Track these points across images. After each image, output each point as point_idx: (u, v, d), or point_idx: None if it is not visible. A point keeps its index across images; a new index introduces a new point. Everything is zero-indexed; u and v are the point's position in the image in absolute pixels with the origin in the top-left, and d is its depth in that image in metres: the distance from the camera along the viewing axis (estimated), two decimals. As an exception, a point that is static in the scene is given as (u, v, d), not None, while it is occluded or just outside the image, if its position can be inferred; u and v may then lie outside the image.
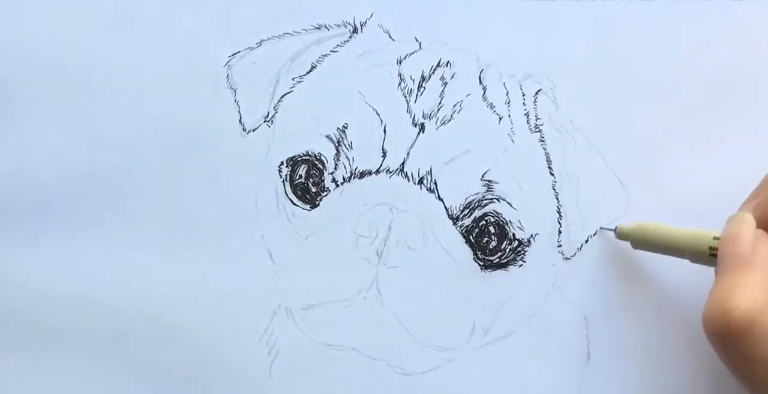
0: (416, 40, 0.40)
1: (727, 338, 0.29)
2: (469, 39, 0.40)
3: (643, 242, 0.37)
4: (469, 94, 0.39)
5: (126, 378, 0.39)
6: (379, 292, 0.39)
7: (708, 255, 0.34)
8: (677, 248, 0.36)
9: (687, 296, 0.39)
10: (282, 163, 0.39)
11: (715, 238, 0.34)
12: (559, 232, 0.39)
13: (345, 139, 0.39)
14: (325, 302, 0.39)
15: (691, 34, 0.40)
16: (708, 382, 0.39)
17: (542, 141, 0.40)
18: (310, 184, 0.39)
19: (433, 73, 0.39)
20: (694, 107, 0.40)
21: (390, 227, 0.39)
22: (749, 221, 0.32)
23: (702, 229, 0.35)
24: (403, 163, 0.39)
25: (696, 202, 0.39)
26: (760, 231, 0.32)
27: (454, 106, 0.39)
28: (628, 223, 0.38)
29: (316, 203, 0.39)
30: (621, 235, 0.38)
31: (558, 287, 0.39)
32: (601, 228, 0.39)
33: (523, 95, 0.40)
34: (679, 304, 0.39)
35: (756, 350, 0.29)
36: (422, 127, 0.39)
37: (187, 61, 0.39)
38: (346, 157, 0.39)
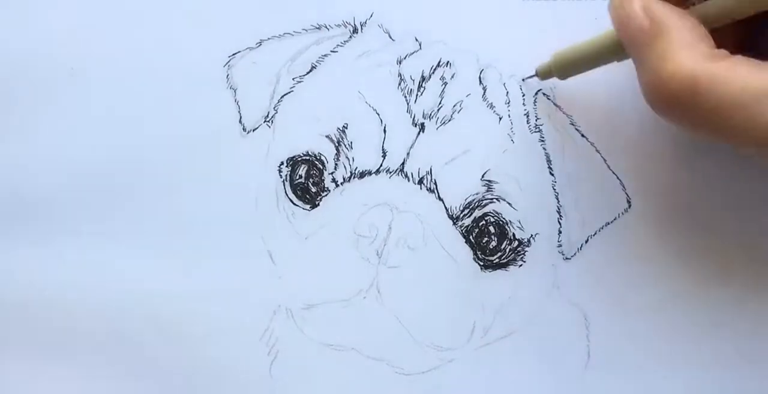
0: (416, 40, 0.40)
1: (679, 105, 0.29)
2: (469, 39, 0.40)
3: (565, 66, 0.37)
4: (469, 94, 0.39)
5: (125, 378, 0.39)
6: (379, 292, 0.39)
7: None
8: (598, 54, 0.35)
9: (687, 296, 0.39)
10: (282, 163, 0.39)
11: None
12: (559, 232, 0.39)
13: (345, 139, 0.39)
14: (325, 302, 0.39)
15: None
16: (710, 382, 0.39)
17: (542, 141, 0.40)
18: (310, 184, 0.39)
19: (433, 73, 0.39)
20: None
21: (390, 227, 0.39)
22: None
23: (604, 31, 0.34)
24: (403, 163, 0.39)
25: (696, 202, 0.39)
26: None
27: (454, 106, 0.39)
28: (544, 61, 0.38)
29: (316, 203, 0.39)
30: (543, 73, 0.38)
31: (558, 287, 0.39)
32: (523, 80, 0.39)
33: (523, 95, 0.40)
34: (680, 303, 0.39)
35: (710, 102, 0.28)
36: (422, 127, 0.39)
37: (187, 61, 0.39)
38: (346, 157, 0.39)
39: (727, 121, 0.29)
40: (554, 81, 0.38)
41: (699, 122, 0.29)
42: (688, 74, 0.29)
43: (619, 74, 0.40)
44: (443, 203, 0.39)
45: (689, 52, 0.29)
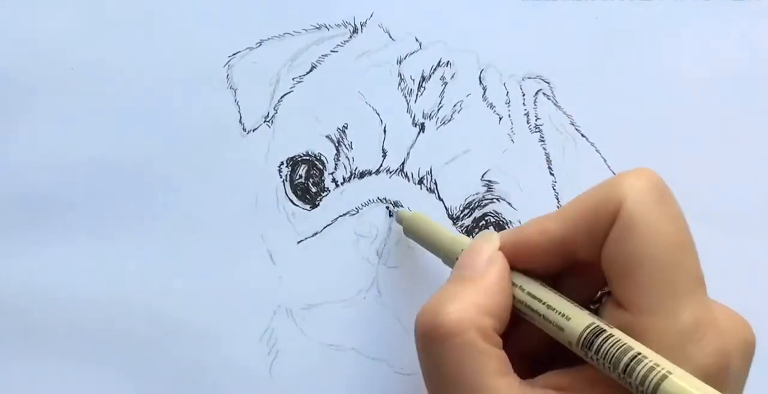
0: (416, 40, 0.40)
1: (428, 338, 0.29)
2: (469, 39, 0.40)
3: (411, 231, 0.37)
4: (469, 94, 0.39)
5: (125, 378, 0.39)
6: (379, 292, 0.39)
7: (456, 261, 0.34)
8: (435, 246, 0.35)
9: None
10: (282, 163, 0.39)
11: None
12: (559, 232, 0.39)
13: (345, 139, 0.39)
14: (325, 302, 0.39)
15: (691, 34, 0.40)
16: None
17: (542, 141, 0.40)
18: (310, 185, 0.39)
19: (433, 73, 0.40)
20: (695, 107, 0.40)
21: (390, 227, 0.39)
22: (494, 240, 0.32)
23: (463, 236, 0.35)
24: (403, 164, 0.39)
25: (696, 202, 0.39)
26: (500, 254, 0.31)
27: (454, 106, 0.39)
28: (409, 211, 0.38)
29: (316, 203, 0.39)
30: (398, 218, 0.38)
31: (558, 287, 0.39)
32: (393, 206, 0.38)
33: (523, 95, 0.40)
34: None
35: (445, 358, 0.29)
36: (422, 127, 0.39)
37: (187, 61, 0.39)
38: (346, 157, 0.39)
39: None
40: (553, 80, 0.38)
41: (429, 370, 0.30)
42: (463, 324, 0.29)
43: (618, 74, 0.40)
44: (443, 203, 0.39)
45: (474, 314, 0.29)
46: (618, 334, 0.28)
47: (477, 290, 0.30)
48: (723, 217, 0.39)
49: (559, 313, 0.29)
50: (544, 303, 0.30)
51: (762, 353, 0.39)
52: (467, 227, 0.39)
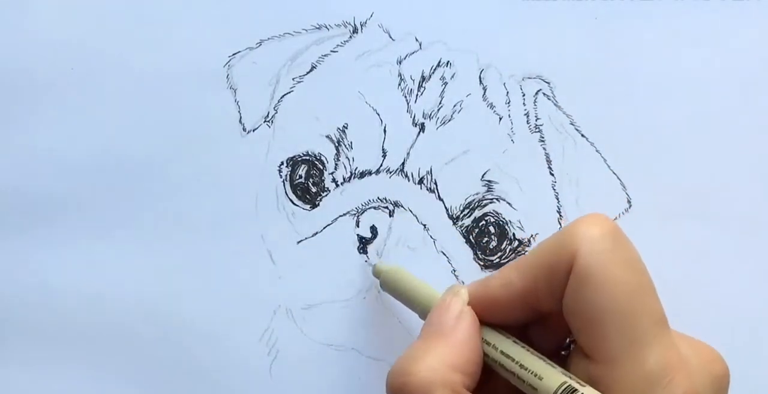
0: (416, 40, 0.40)
1: None
2: (469, 39, 0.40)
3: (387, 286, 0.37)
4: (469, 94, 0.39)
5: (125, 378, 0.39)
6: (379, 292, 0.39)
7: None
8: (410, 302, 0.35)
9: (687, 296, 0.39)
10: (282, 163, 0.39)
11: None
12: (559, 232, 0.39)
13: (345, 139, 0.39)
14: (325, 302, 0.39)
15: (690, 33, 0.40)
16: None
17: (542, 141, 0.40)
18: (310, 184, 0.39)
19: (433, 73, 0.40)
20: (695, 107, 0.40)
21: (390, 227, 0.39)
22: (462, 295, 0.32)
23: (439, 291, 0.34)
24: (403, 163, 0.39)
25: (696, 202, 0.39)
26: (468, 309, 0.31)
27: (454, 106, 0.39)
28: (388, 265, 0.37)
29: (316, 203, 0.39)
30: (375, 272, 0.38)
31: (558, 287, 0.39)
32: (374, 265, 0.38)
33: (523, 95, 0.40)
34: (680, 303, 0.39)
35: None
36: (422, 127, 0.39)
37: (187, 61, 0.39)
38: (346, 157, 0.39)
39: None
40: (553, 80, 0.38)
41: None
42: (430, 382, 0.29)
43: (618, 74, 0.40)
44: (443, 203, 0.39)
45: (442, 371, 0.29)
46: (589, 392, 0.28)
47: (446, 347, 0.30)
48: (723, 217, 0.39)
49: (532, 372, 0.29)
50: (516, 362, 0.30)
51: (763, 353, 0.39)
52: (467, 226, 0.39)
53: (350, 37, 0.40)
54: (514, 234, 0.39)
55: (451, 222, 0.39)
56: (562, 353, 0.32)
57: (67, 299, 0.39)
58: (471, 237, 0.39)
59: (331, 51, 0.40)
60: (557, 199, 0.39)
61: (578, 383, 0.28)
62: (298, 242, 0.39)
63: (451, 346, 0.30)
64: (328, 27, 0.40)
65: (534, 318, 0.32)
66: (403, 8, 0.40)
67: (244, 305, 0.39)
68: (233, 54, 0.39)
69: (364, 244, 0.39)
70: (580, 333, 0.29)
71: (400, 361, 0.30)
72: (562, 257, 0.29)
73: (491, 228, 0.39)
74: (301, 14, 0.40)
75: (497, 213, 0.39)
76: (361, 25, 0.40)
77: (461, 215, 0.39)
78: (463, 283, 0.39)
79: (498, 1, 0.40)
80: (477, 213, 0.39)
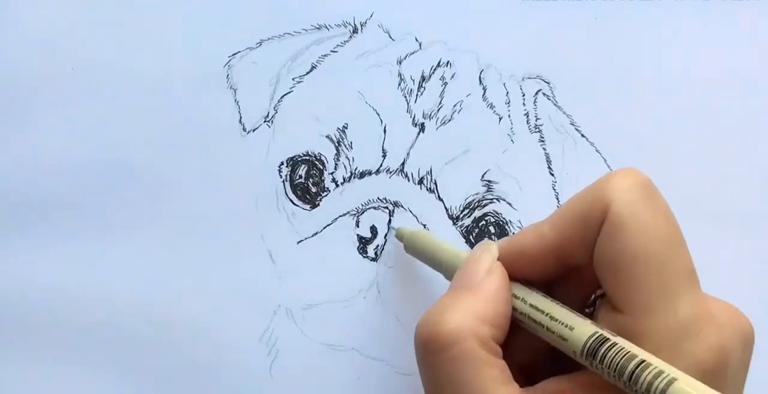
0: (416, 40, 0.40)
1: (428, 348, 0.29)
2: (469, 39, 0.40)
3: (412, 248, 0.37)
4: (469, 94, 0.39)
5: (125, 378, 0.39)
6: (379, 292, 0.39)
7: None
8: (436, 262, 0.35)
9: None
10: (282, 163, 0.39)
11: None
12: (559, 232, 0.39)
13: (345, 139, 0.39)
14: (325, 302, 0.39)
15: (691, 34, 0.40)
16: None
17: (542, 141, 0.40)
18: (310, 185, 0.39)
19: (433, 73, 0.40)
20: (695, 107, 0.40)
21: (390, 227, 0.39)
22: (493, 250, 0.32)
23: (464, 251, 0.34)
24: (403, 164, 0.39)
25: (696, 202, 0.39)
26: (498, 264, 0.31)
27: (454, 106, 0.39)
28: (410, 228, 0.38)
29: (316, 203, 0.39)
30: (398, 235, 0.38)
31: (558, 287, 0.39)
32: (397, 229, 0.38)
33: (523, 95, 0.40)
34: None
35: (445, 368, 0.29)
36: (422, 127, 0.39)
37: (187, 61, 0.39)
38: (346, 157, 0.39)
39: None
40: (553, 80, 0.38)
41: (430, 380, 0.30)
42: (462, 333, 0.29)
43: (618, 74, 0.40)
44: (443, 203, 0.39)
45: (473, 323, 0.29)
46: (622, 342, 0.28)
47: (476, 300, 0.30)
48: (723, 217, 0.39)
49: (562, 323, 0.29)
50: (546, 314, 0.30)
51: (765, 352, 0.39)
52: (467, 226, 0.39)
53: (350, 37, 0.40)
54: (513, 234, 0.39)
55: (451, 222, 0.39)
56: (587, 310, 0.32)
57: (67, 298, 0.39)
58: (471, 237, 0.39)
59: (331, 51, 0.40)
60: (557, 199, 0.39)
61: (609, 333, 0.28)
62: (298, 242, 0.39)
63: (481, 299, 0.30)
64: (328, 27, 0.40)
65: (562, 273, 0.32)
66: (403, 8, 0.40)
67: (244, 305, 0.39)
68: (233, 54, 0.39)
69: (364, 244, 0.39)
70: (611, 284, 0.29)
71: (429, 312, 0.30)
72: (595, 206, 0.29)
73: (491, 228, 0.39)
74: (301, 14, 0.40)
75: (497, 213, 0.39)
76: (361, 25, 0.40)
77: (461, 215, 0.39)
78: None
79: (498, 1, 0.40)
80: (477, 213, 0.39)
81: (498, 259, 0.32)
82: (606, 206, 0.29)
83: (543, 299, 0.31)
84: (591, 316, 0.30)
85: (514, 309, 0.31)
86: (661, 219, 0.29)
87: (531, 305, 0.31)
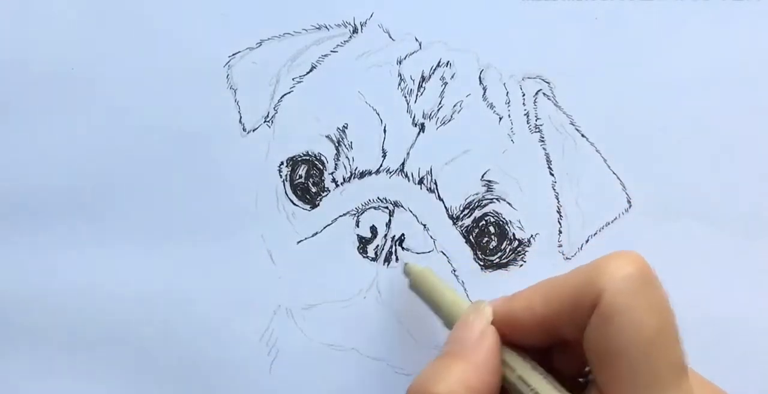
0: (416, 40, 0.40)
1: None
2: (469, 39, 0.40)
3: (417, 287, 0.37)
4: (469, 94, 0.39)
5: (125, 378, 0.39)
6: (379, 292, 0.39)
7: None
8: (436, 306, 0.35)
9: (687, 296, 0.39)
10: (282, 163, 0.39)
11: None
12: (560, 232, 0.39)
13: (345, 139, 0.39)
14: (326, 302, 0.39)
15: (691, 34, 0.40)
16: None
17: (542, 141, 0.40)
18: (310, 185, 0.39)
19: (433, 73, 0.40)
20: (694, 107, 0.40)
21: (390, 227, 0.39)
22: (486, 314, 0.32)
23: (465, 300, 0.34)
24: (403, 164, 0.39)
25: (696, 202, 0.39)
26: (492, 329, 0.31)
27: (454, 106, 0.39)
28: (419, 266, 0.37)
29: (316, 203, 0.39)
30: (406, 271, 0.38)
31: (558, 287, 0.39)
32: (405, 264, 0.38)
33: (523, 95, 0.40)
34: (681, 304, 0.39)
35: None
36: (422, 127, 0.39)
37: (187, 61, 0.39)
38: (346, 157, 0.39)
39: None
40: (553, 80, 0.39)
41: None
42: None
43: (618, 74, 0.40)
44: (443, 203, 0.39)
45: (460, 391, 0.29)
46: None
47: (466, 368, 0.30)
48: (723, 217, 0.39)
49: None
50: (532, 389, 0.30)
51: (765, 351, 0.39)
52: (467, 226, 0.39)
53: (350, 37, 0.40)
54: (514, 234, 0.39)
55: (451, 222, 0.39)
56: (580, 380, 0.32)
57: (67, 298, 0.39)
58: (471, 237, 0.39)
59: (331, 51, 0.40)
60: (557, 199, 0.39)
61: None
62: (298, 242, 0.39)
63: (472, 367, 0.30)
64: (328, 27, 0.40)
65: (556, 343, 0.32)
66: (403, 8, 0.40)
67: (244, 305, 0.39)
68: (233, 54, 0.39)
69: (364, 244, 0.39)
70: (598, 372, 0.29)
71: (419, 379, 0.30)
72: (588, 291, 0.29)
73: (491, 228, 0.39)
74: (301, 14, 0.40)
75: (497, 213, 0.39)
76: (361, 25, 0.40)
77: (461, 215, 0.39)
78: (463, 283, 0.39)
79: (498, 1, 0.40)
80: (477, 213, 0.39)
81: (492, 322, 0.32)
82: (599, 294, 0.29)
83: (532, 371, 0.31)
84: (584, 387, 0.30)
85: (503, 377, 0.31)
86: (654, 314, 0.29)
87: (519, 377, 0.31)
